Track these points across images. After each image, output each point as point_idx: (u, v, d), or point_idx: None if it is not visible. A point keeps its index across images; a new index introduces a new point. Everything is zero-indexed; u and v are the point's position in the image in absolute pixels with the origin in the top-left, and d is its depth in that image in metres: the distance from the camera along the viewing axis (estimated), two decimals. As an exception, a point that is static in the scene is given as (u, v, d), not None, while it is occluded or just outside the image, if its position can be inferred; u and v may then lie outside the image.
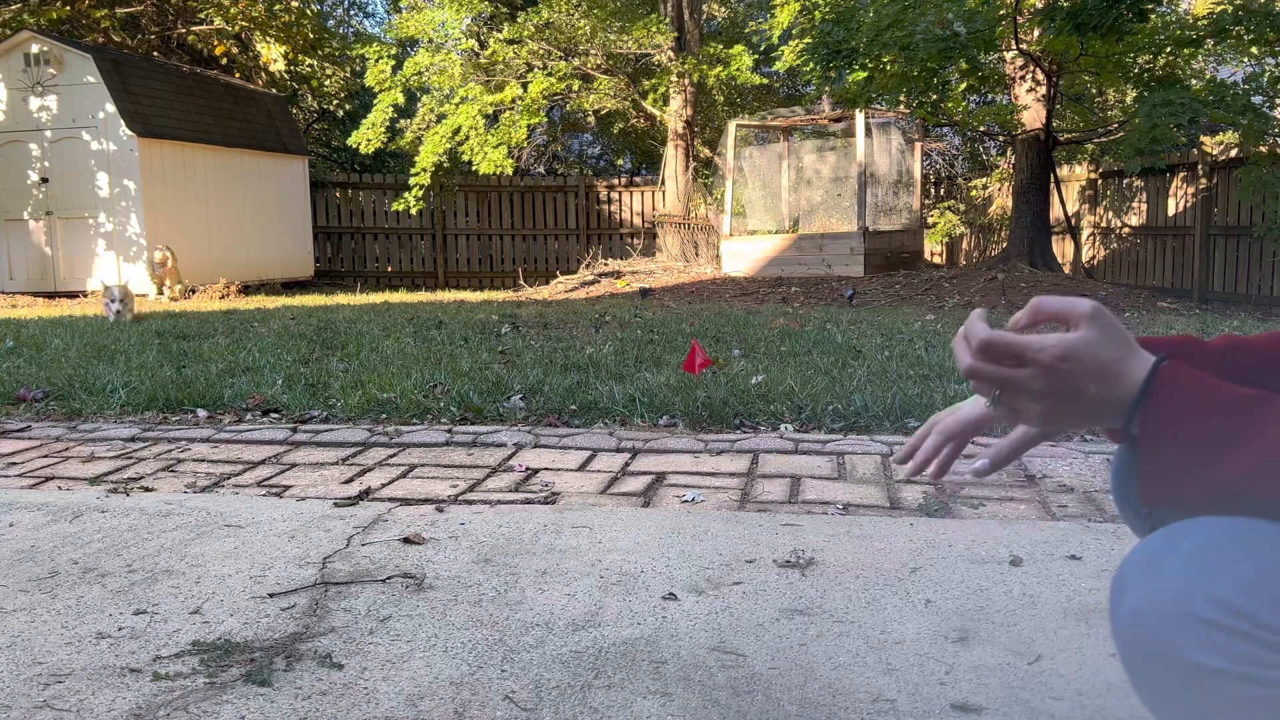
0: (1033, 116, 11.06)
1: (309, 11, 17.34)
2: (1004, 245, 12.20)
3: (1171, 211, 11.35)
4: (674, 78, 14.30)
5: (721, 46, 14.90)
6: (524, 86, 14.15)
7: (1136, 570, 0.87)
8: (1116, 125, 11.87)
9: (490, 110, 14.33)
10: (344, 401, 3.78)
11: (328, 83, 18.23)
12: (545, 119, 17.22)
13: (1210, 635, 0.80)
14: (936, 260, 15.08)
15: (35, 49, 11.98)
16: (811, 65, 10.59)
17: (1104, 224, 12.89)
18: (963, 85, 11.24)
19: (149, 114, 12.28)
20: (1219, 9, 9.35)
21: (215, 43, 16.23)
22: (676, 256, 14.00)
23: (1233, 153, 10.28)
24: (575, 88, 14.80)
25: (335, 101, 19.33)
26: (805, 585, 1.92)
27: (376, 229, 16.39)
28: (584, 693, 1.49)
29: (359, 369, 4.56)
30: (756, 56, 15.76)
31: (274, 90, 16.31)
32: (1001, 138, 13.21)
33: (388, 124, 14.77)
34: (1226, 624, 0.80)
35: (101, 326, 6.96)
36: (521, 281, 14.32)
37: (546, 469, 2.91)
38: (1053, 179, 11.32)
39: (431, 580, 1.96)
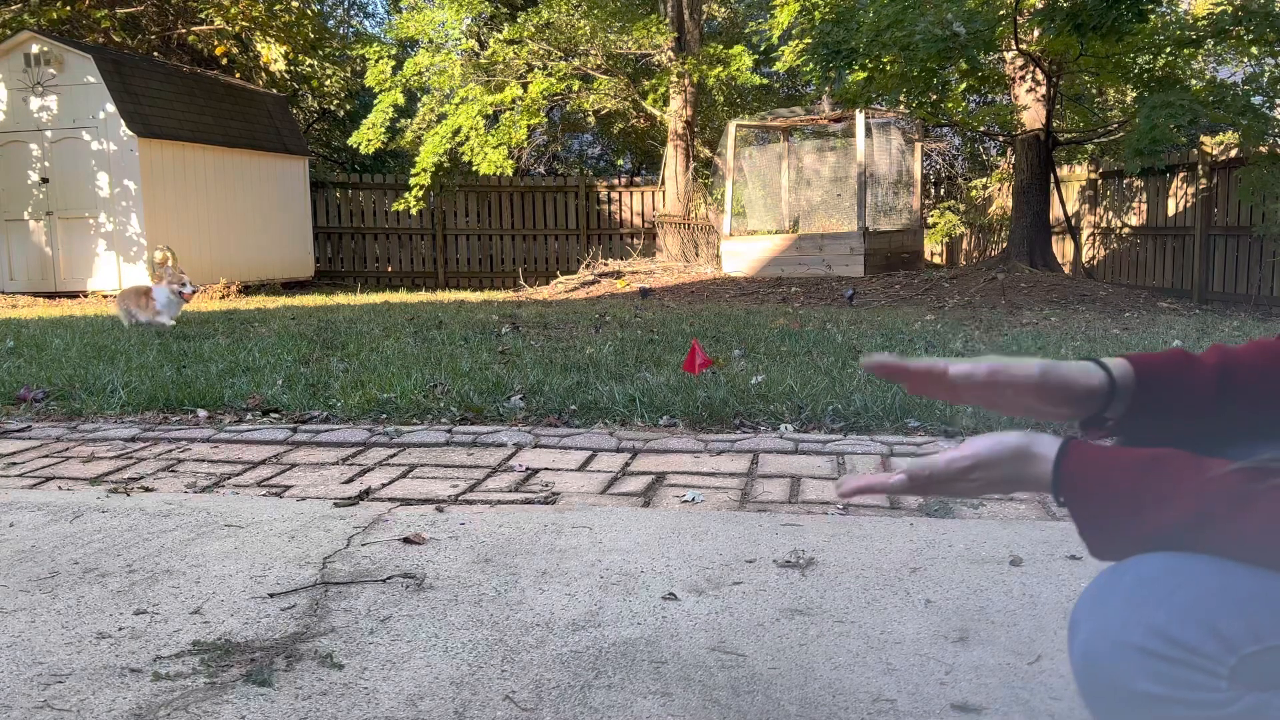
0: (1032, 117, 11.05)
1: (309, 11, 17.34)
2: (1004, 245, 12.20)
3: (1171, 211, 11.35)
4: (674, 78, 14.30)
5: (721, 47, 14.90)
6: (524, 87, 14.15)
7: (1085, 610, 0.93)
8: (1116, 125, 11.87)
9: (490, 110, 14.33)
10: (344, 401, 3.78)
11: (328, 83, 18.23)
12: (545, 119, 17.21)
13: (1151, 665, 0.85)
14: (936, 260, 15.08)
15: (35, 49, 11.98)
16: (811, 65, 10.58)
17: (1104, 224, 12.89)
18: (962, 85, 11.24)
19: (149, 114, 12.28)
20: (1219, 9, 9.35)
21: (215, 43, 16.23)
22: (676, 256, 14.00)
23: (1233, 153, 10.28)
24: (575, 88, 14.81)
25: (335, 101, 19.33)
26: (805, 585, 1.92)
27: (376, 229, 16.40)
28: (584, 693, 1.49)
29: (359, 369, 4.56)
30: (756, 57, 15.76)
31: (274, 90, 16.31)
32: (1001, 138, 13.20)
33: (388, 124, 14.77)
34: (1164, 653, 0.85)
35: (102, 327, 6.96)
36: (521, 281, 14.32)
37: (546, 469, 2.91)
38: (1053, 179, 11.32)
39: (432, 580, 1.96)
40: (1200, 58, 11.64)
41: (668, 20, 14.36)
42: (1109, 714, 0.89)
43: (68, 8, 14.89)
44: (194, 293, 6.62)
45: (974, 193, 14.97)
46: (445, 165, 14.57)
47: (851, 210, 13.22)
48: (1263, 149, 9.18)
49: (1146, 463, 0.93)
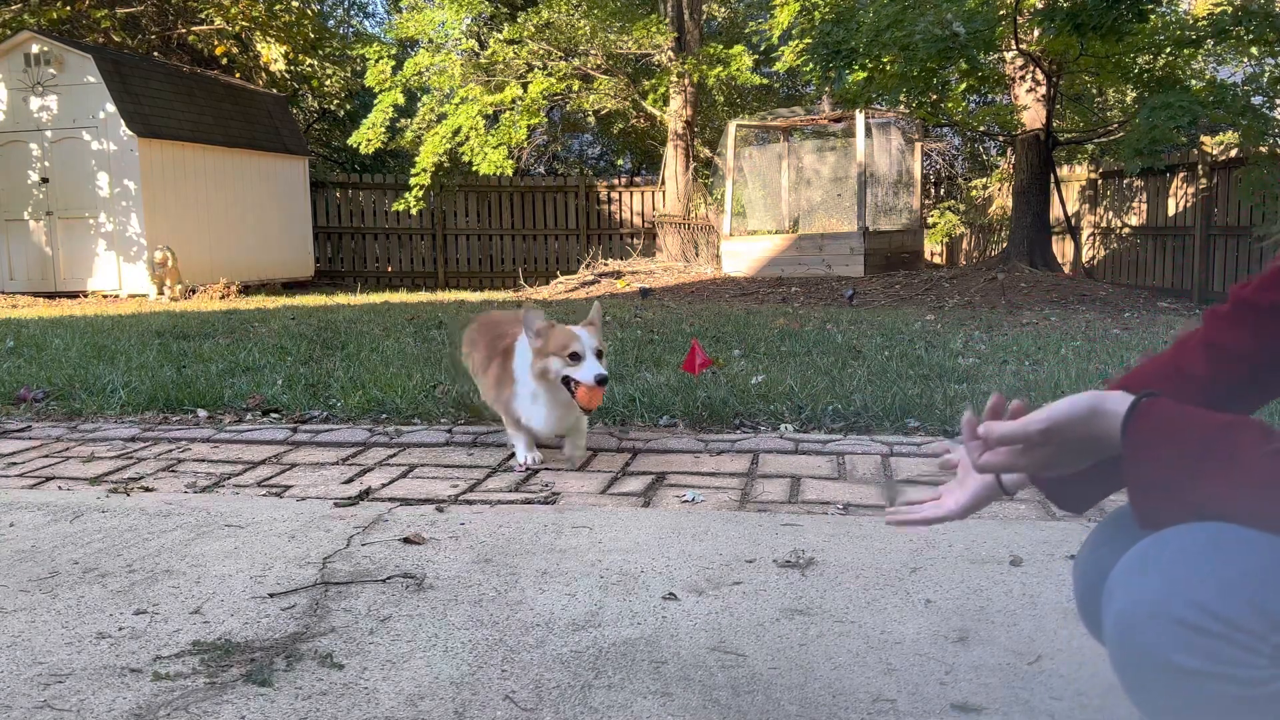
0: (1032, 117, 11.05)
1: (309, 11, 17.34)
2: (1004, 245, 12.20)
3: (1172, 211, 11.35)
4: (674, 78, 14.30)
5: (721, 47, 14.90)
6: (524, 87, 14.15)
7: (1122, 579, 0.91)
8: (1116, 125, 11.87)
9: (490, 110, 14.34)
10: (344, 401, 3.78)
11: (328, 83, 18.23)
12: (545, 119, 17.22)
13: (1189, 638, 0.84)
14: (936, 260, 15.08)
15: (35, 49, 11.98)
16: (811, 65, 10.59)
17: (1104, 224, 12.89)
18: (962, 85, 11.24)
19: (149, 114, 12.28)
20: (1219, 10, 9.35)
21: (215, 43, 16.23)
22: (676, 256, 14.00)
23: (1233, 153, 10.28)
24: (575, 88, 14.81)
25: (335, 101, 19.33)
26: (805, 585, 1.92)
27: (376, 229, 16.40)
28: (584, 693, 1.49)
29: (359, 369, 4.56)
30: (756, 57, 15.76)
31: (274, 90, 16.31)
32: (1001, 138, 13.21)
33: (388, 124, 14.78)
34: (1205, 626, 0.83)
35: (101, 326, 6.95)
36: (521, 281, 14.32)
37: (546, 469, 2.91)
38: (1053, 179, 11.32)
39: (432, 580, 1.96)
40: (1200, 58, 11.65)
41: (668, 20, 14.36)
42: (1140, 685, 0.88)
43: (68, 8, 14.89)
44: (604, 380, 2.70)
45: (974, 193, 14.97)
46: (445, 165, 14.58)
47: (851, 210, 13.22)
48: (1263, 149, 9.18)
49: (1219, 429, 0.91)
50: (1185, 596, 0.84)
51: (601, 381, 2.63)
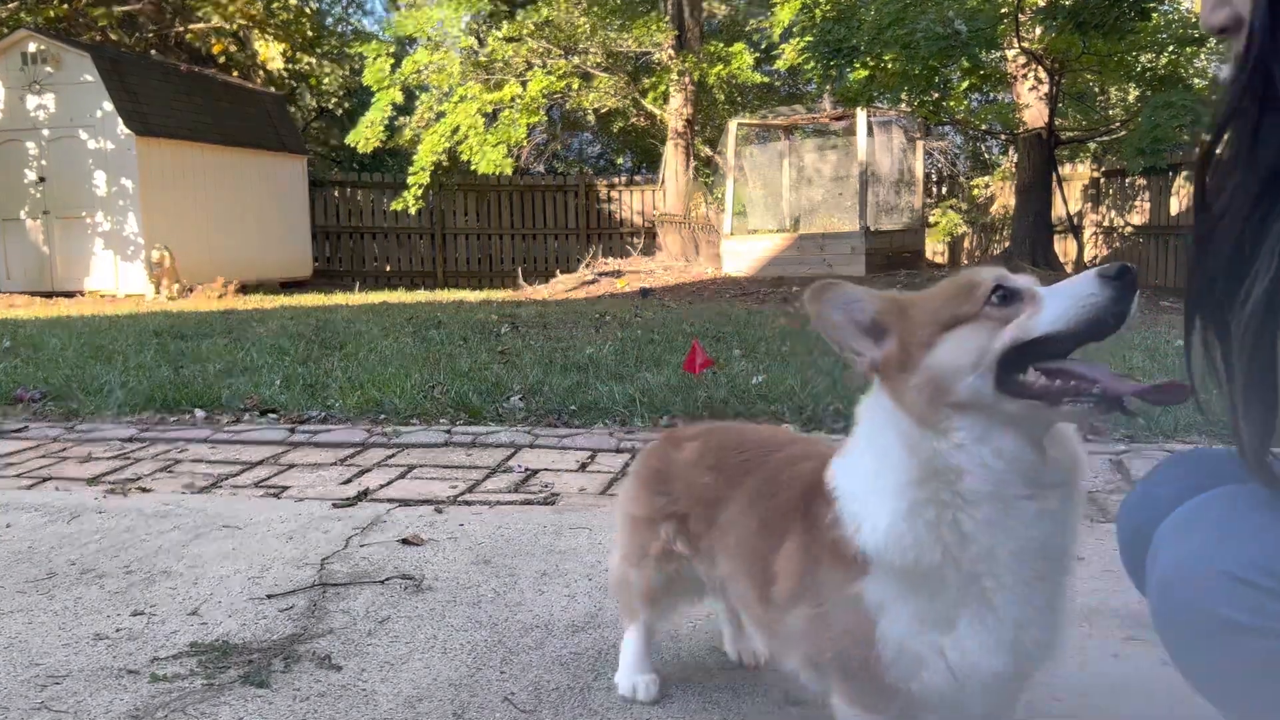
0: (1035, 115, 11.04)
1: (307, 9, 17.35)
2: (1006, 244, 12.20)
3: (1174, 210, 11.34)
4: (674, 76, 14.29)
5: (722, 45, 14.89)
6: (523, 85, 14.14)
7: (1168, 538, 0.90)
8: (1119, 124, 11.86)
9: (489, 109, 14.32)
10: (342, 402, 3.77)
11: (326, 81, 18.25)
12: (545, 118, 17.21)
13: (1239, 591, 0.83)
14: (938, 260, 15.06)
15: (33, 47, 11.97)
16: (812, 64, 10.57)
17: (1106, 223, 12.88)
18: (964, 84, 11.23)
19: (147, 113, 12.27)
20: (1220, 8, 9.33)
21: (213, 41, 16.24)
22: (677, 256, 13.99)
23: (1234, 151, 10.26)
24: (575, 86, 14.80)
25: (334, 100, 19.33)
26: (806, 586, 1.90)
27: (375, 228, 16.38)
28: (584, 694, 1.48)
29: (357, 369, 4.55)
30: (757, 55, 15.76)
31: (272, 89, 16.31)
32: (1003, 136, 13.20)
33: (386, 123, 14.76)
34: (1255, 581, 0.83)
35: (99, 326, 6.93)
36: (521, 281, 14.30)
37: (546, 469, 2.90)
38: (1055, 178, 11.31)
39: (430, 581, 1.95)
40: (1203, 56, 11.64)
41: (668, 18, 14.35)
42: (1183, 642, 0.88)
43: (65, 5, 14.89)
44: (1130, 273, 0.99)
45: (976, 191, 14.97)
46: (444, 164, 14.57)
47: (853, 209, 13.21)
48: (1264, 148, 9.16)
49: None
50: (1236, 553, 0.84)
51: (1124, 275, 0.99)
